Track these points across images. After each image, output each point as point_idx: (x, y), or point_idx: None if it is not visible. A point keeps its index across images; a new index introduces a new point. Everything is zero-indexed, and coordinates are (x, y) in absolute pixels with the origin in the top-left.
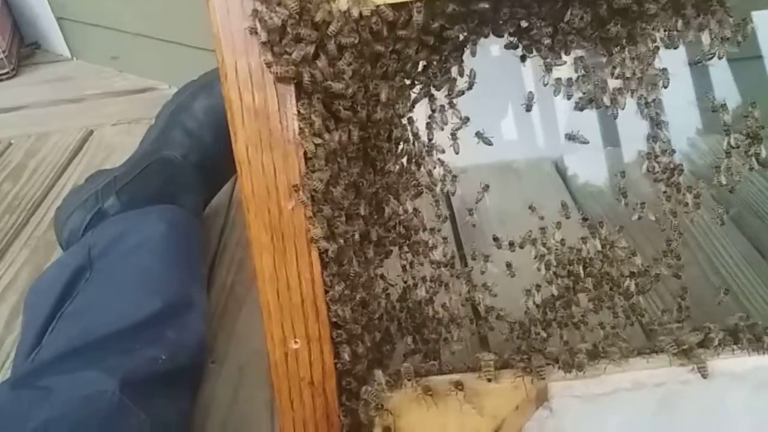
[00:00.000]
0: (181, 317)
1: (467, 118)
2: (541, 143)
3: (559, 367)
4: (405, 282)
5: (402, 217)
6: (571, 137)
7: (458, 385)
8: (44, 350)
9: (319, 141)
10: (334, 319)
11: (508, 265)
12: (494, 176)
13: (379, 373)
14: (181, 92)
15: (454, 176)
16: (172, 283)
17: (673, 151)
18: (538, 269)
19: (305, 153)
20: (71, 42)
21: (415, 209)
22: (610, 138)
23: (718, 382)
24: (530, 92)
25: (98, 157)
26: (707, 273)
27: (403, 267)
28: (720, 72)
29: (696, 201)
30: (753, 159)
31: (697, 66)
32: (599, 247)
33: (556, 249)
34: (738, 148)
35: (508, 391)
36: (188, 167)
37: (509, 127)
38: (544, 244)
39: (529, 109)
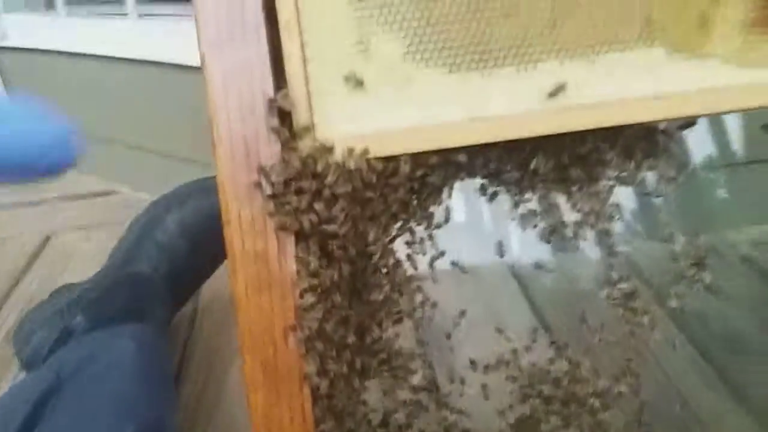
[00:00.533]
0: None
1: (443, 252)
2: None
3: None
4: (385, 407)
5: (383, 344)
6: (539, 266)
7: None
8: None
9: (315, 281)
10: None
11: (484, 387)
12: (454, 281)
13: None
14: (154, 206)
15: (434, 303)
16: (144, 406)
17: (629, 278)
18: (510, 392)
19: (301, 293)
20: None
21: (396, 335)
22: (560, 244)
23: None
24: (500, 241)
25: (57, 265)
26: (657, 377)
27: (384, 392)
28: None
29: (652, 323)
30: (699, 284)
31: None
32: (566, 367)
33: (528, 370)
34: (685, 275)
35: None
36: (158, 280)
37: (465, 233)
38: (517, 366)
39: (501, 255)
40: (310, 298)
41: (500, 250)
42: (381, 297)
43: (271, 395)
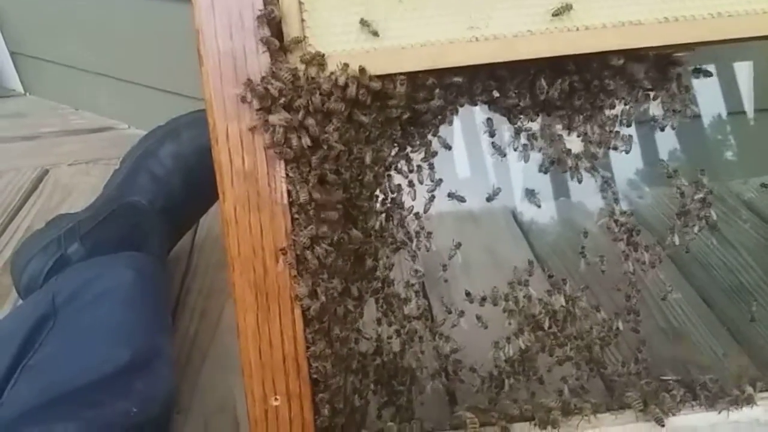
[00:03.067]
0: (151, 367)
1: (440, 180)
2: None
3: (535, 425)
4: (379, 335)
5: (380, 272)
6: (528, 194)
7: None
8: (7, 406)
9: (306, 204)
10: (315, 376)
11: (478, 318)
12: (456, 224)
13: None
14: (148, 137)
15: (429, 233)
16: (140, 332)
17: (631, 214)
18: (509, 323)
19: (291, 214)
20: (25, 77)
21: (392, 264)
22: (562, 190)
23: None
24: (498, 188)
25: (54, 198)
26: (660, 323)
27: (378, 320)
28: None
29: (653, 260)
30: (703, 221)
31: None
32: (563, 303)
33: (523, 305)
34: (689, 212)
35: None
36: (154, 213)
37: (468, 176)
38: (514, 298)
39: (490, 200)
40: (301, 220)
41: (493, 194)
42: (377, 225)
43: (261, 315)
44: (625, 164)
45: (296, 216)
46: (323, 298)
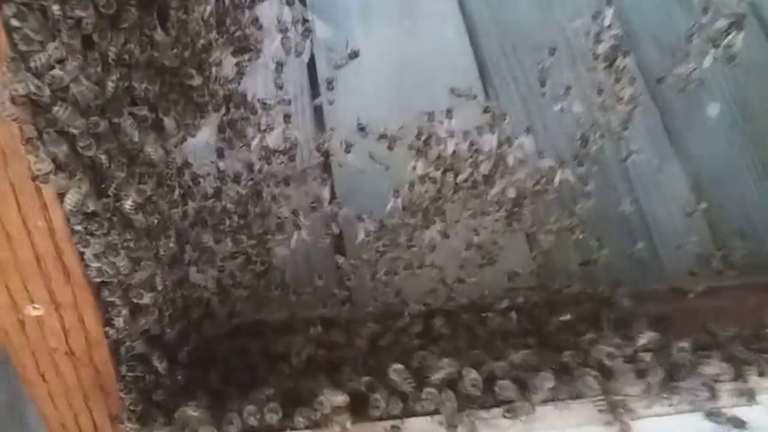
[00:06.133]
0: None
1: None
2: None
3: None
4: (223, 175)
5: (216, 87)
6: None
7: None
8: None
9: None
10: (98, 279)
11: (372, 156)
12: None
13: None
14: None
15: (307, 29)
16: None
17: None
18: (413, 167)
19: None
20: None
21: (242, 73)
22: None
23: None
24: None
25: None
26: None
27: (219, 152)
28: None
29: (633, 96)
30: (719, 50)
31: None
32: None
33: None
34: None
35: None
36: None
37: None
38: (428, 136)
39: None
40: (31, 35)
41: None
42: (206, 13)
43: None
44: None
45: (20, 26)
46: (100, 160)
